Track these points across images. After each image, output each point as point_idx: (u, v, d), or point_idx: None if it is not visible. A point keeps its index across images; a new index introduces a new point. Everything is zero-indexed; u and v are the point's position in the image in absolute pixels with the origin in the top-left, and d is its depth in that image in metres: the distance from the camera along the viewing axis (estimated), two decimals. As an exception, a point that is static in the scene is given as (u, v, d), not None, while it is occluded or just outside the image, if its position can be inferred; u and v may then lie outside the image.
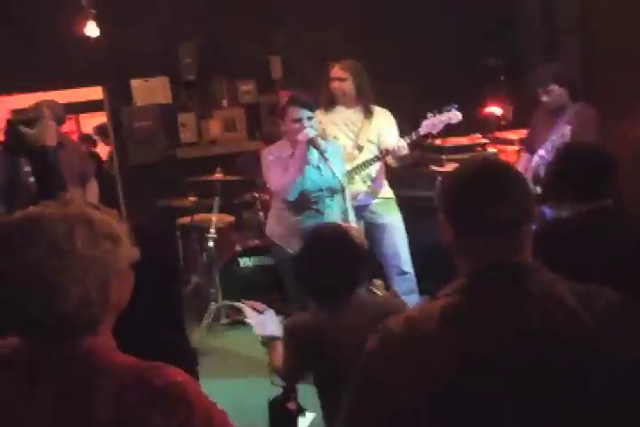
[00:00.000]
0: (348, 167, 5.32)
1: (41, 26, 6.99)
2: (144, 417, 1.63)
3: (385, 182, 5.72)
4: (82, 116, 11.56)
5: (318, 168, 4.77)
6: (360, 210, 5.36)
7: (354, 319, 2.86)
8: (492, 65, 7.98)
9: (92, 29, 5.90)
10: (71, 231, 1.68)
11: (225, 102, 8.12)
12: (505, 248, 1.89)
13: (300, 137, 4.60)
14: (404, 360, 1.83)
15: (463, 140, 6.75)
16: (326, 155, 4.55)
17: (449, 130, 5.63)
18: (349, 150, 5.47)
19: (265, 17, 7.73)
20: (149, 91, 7.88)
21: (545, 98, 5.28)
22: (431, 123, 5.35)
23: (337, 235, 3.07)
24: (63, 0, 5.99)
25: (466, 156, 6.45)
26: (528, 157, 5.54)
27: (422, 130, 5.37)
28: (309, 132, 4.59)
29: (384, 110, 5.65)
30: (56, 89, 7.78)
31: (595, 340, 1.80)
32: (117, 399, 1.63)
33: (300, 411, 3.23)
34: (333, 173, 4.48)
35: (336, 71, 5.50)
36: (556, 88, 5.24)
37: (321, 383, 3.02)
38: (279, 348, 3.15)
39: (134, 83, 7.82)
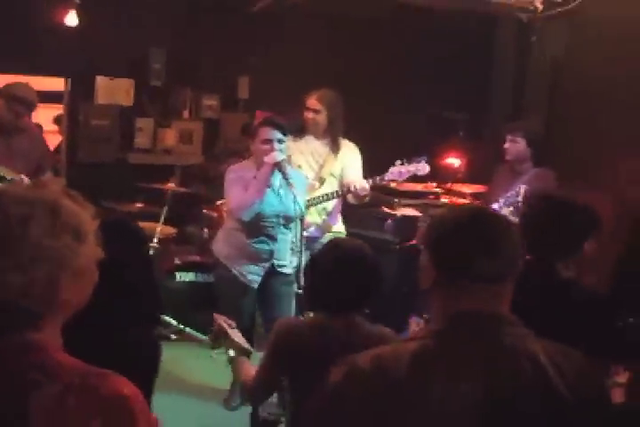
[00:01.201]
0: (307, 198, 5.31)
1: (18, 9, 6.86)
2: (83, 425, 1.53)
3: (339, 217, 5.71)
4: (39, 105, 11.30)
5: (279, 194, 4.70)
6: (310, 242, 5.31)
7: (350, 335, 2.81)
8: (455, 118, 8.12)
9: (71, 19, 5.77)
10: (28, 216, 1.57)
11: (186, 113, 8.06)
12: (485, 299, 1.86)
13: (268, 159, 4.53)
14: (366, 399, 1.79)
15: (418, 187, 6.79)
16: (291, 180, 4.51)
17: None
18: (311, 181, 5.42)
19: (241, 37, 7.71)
20: (113, 90, 7.77)
21: (507, 145, 5.37)
22: (398, 171, 5.33)
23: (357, 248, 3.02)
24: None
25: (418, 202, 6.52)
26: None
27: (387, 176, 5.34)
28: (278, 155, 4.53)
29: (352, 145, 5.59)
30: (18, 73, 7.63)
31: (562, 400, 1.79)
32: (59, 400, 1.53)
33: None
34: (295, 201, 4.43)
35: (311, 102, 5.43)
36: (522, 142, 5.34)
37: (292, 390, 2.97)
38: (247, 363, 3.10)
39: (99, 80, 7.71)
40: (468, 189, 6.91)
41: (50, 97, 9.20)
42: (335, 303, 2.89)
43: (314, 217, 5.46)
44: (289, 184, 4.49)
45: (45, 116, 10.37)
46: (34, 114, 5.65)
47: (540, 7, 6.51)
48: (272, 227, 4.72)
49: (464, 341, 1.85)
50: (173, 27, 7.65)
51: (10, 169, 4.98)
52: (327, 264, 2.93)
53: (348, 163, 5.52)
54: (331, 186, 5.49)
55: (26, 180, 4.80)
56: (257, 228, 4.69)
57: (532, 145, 5.34)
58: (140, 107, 7.87)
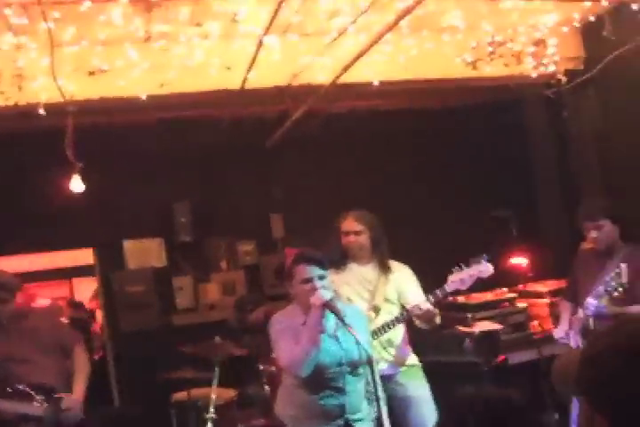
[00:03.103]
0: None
1: (25, 184, 6.43)
2: None
3: (409, 348, 4.84)
4: (76, 280, 10.90)
5: (336, 338, 3.87)
6: (382, 381, 4.42)
7: None
8: (502, 216, 7.37)
9: (77, 184, 5.23)
10: None
11: (224, 264, 7.42)
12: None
13: (314, 300, 3.73)
14: None
15: (488, 296, 5.96)
16: (346, 320, 3.69)
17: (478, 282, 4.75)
18: (365, 312, 4.64)
19: (262, 175, 7.20)
20: (143, 253, 7.19)
21: (594, 234, 4.55)
22: (459, 278, 4.48)
23: None
24: (49, 157, 5.39)
25: (494, 313, 5.67)
26: (569, 306, 4.76)
27: (449, 287, 4.49)
28: (324, 293, 3.73)
29: (403, 265, 4.87)
30: (41, 252, 7.19)
31: None
32: None
33: None
34: (358, 342, 3.60)
35: (349, 224, 4.76)
36: (607, 223, 4.53)
37: None
38: None
39: (126, 244, 7.14)
40: (543, 287, 6.06)
41: (84, 270, 8.80)
42: None
43: (379, 352, 4.63)
44: (345, 325, 3.67)
45: (86, 292, 9.94)
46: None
47: (564, 79, 5.85)
48: (337, 377, 3.87)
49: None
50: (191, 178, 7.14)
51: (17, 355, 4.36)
52: None
53: (404, 284, 4.77)
54: (389, 314, 4.69)
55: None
56: (320, 381, 3.84)
57: (618, 222, 4.53)
58: (174, 265, 7.25)
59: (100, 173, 6.40)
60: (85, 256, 7.57)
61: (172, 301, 7.22)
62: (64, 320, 8.29)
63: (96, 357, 7.81)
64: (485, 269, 4.48)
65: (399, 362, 4.72)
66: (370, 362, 3.60)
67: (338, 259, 4.78)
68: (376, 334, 4.61)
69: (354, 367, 3.83)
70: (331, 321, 3.83)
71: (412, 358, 4.81)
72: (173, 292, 7.24)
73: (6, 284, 4.56)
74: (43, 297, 9.56)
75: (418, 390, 4.70)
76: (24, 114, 5.19)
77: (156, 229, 7.20)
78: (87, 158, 5.36)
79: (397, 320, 4.63)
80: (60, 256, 8.50)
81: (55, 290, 10.66)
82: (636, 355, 1.32)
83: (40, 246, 6.95)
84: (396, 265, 4.83)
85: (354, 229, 4.74)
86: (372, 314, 4.69)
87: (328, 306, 3.71)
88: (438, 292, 4.51)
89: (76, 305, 8.62)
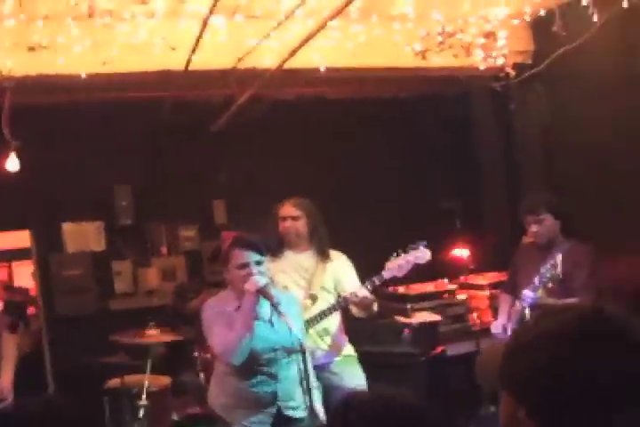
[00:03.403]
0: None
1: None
2: None
3: (345, 337, 4.78)
4: (16, 263, 10.61)
5: (270, 323, 3.80)
6: (317, 370, 4.35)
7: None
8: (448, 207, 7.37)
9: (12, 163, 5.05)
10: None
11: (164, 249, 7.27)
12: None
13: (248, 286, 3.64)
14: None
15: (429, 287, 5.93)
16: (280, 308, 3.61)
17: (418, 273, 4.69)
18: (301, 301, 4.57)
19: (207, 159, 7.06)
20: (81, 236, 7.00)
21: (535, 228, 4.55)
22: (396, 264, 4.39)
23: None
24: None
25: (434, 304, 5.64)
26: (509, 298, 4.75)
27: (386, 273, 4.40)
28: (259, 279, 3.65)
29: (340, 253, 4.79)
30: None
31: None
32: None
33: None
34: (290, 330, 3.52)
35: (287, 209, 4.68)
36: (548, 217, 4.52)
37: None
38: None
39: (65, 227, 6.95)
40: (484, 279, 6.05)
41: (22, 253, 8.56)
42: None
43: (315, 341, 4.57)
44: (279, 312, 3.58)
45: (25, 274, 9.68)
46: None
47: (513, 73, 5.82)
48: (270, 363, 3.79)
49: None
50: (133, 161, 6.96)
51: None
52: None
53: (341, 273, 4.69)
54: (325, 302, 4.61)
55: None
56: (252, 367, 3.75)
57: (559, 216, 4.53)
58: (113, 249, 7.08)
59: (40, 153, 6.21)
60: (24, 239, 7.36)
61: (110, 285, 7.05)
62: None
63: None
64: (422, 255, 4.41)
65: (335, 351, 4.66)
66: (302, 350, 3.54)
67: (275, 246, 4.70)
68: (312, 322, 4.54)
69: (288, 353, 3.76)
70: (265, 307, 3.75)
71: (348, 348, 4.75)
72: (112, 276, 7.07)
73: None
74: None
75: (353, 379, 4.63)
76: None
77: (96, 212, 7.01)
78: (26, 137, 5.20)
79: (334, 308, 4.56)
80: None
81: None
82: (569, 339, 1.26)
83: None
84: (333, 253, 4.75)
85: (291, 214, 4.66)
86: (309, 302, 4.62)
87: (262, 292, 3.63)
88: (375, 279, 4.43)
89: (11, 289, 8.37)
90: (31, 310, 8.06)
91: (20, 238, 7.51)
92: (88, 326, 6.56)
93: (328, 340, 4.64)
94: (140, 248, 7.19)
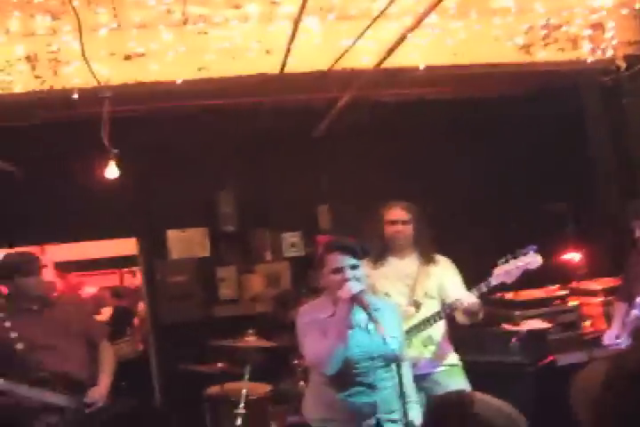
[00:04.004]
0: (405, 329, 4.21)
1: (66, 175, 6.30)
2: None
3: (450, 346, 4.54)
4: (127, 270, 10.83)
5: (367, 331, 3.59)
6: (420, 380, 4.13)
7: None
8: (558, 211, 6.98)
9: (111, 171, 5.07)
10: None
11: (268, 255, 7.19)
12: None
13: (342, 293, 3.46)
14: None
15: (538, 293, 5.61)
16: (375, 316, 3.42)
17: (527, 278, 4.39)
18: (404, 308, 4.36)
19: (310, 163, 6.95)
20: (186, 242, 7.01)
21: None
22: (504, 271, 4.11)
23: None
24: (87, 144, 5.22)
25: (543, 311, 5.31)
26: (625, 306, 4.42)
27: (494, 280, 4.14)
28: (354, 285, 3.45)
29: (445, 258, 4.58)
30: (84, 241, 7.10)
31: None
32: None
33: None
34: (385, 341, 3.33)
35: (397, 213, 4.49)
36: None
37: None
38: None
39: (170, 234, 6.97)
40: (597, 285, 5.67)
41: (129, 261, 8.72)
42: None
43: (419, 349, 4.37)
44: (374, 321, 3.38)
45: (132, 281, 9.86)
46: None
47: (623, 65, 5.44)
48: (368, 372, 3.59)
49: None
50: (236, 167, 6.93)
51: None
52: None
53: (445, 278, 4.48)
54: (429, 309, 4.40)
55: None
56: (349, 377, 3.56)
57: None
58: (217, 255, 7.05)
59: (142, 162, 6.26)
60: (131, 246, 7.45)
61: (215, 291, 7.03)
62: (108, 309, 8.19)
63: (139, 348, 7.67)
64: (533, 260, 4.10)
65: (439, 360, 4.44)
66: (398, 360, 3.33)
67: (378, 251, 4.52)
68: (415, 330, 4.34)
69: (386, 362, 3.54)
70: (361, 314, 3.55)
71: (453, 357, 4.51)
72: (216, 282, 7.05)
73: (28, 261, 4.38)
74: (91, 286, 9.50)
75: (459, 389, 4.38)
76: (59, 100, 5.03)
77: (200, 219, 7.02)
78: (128, 146, 5.21)
79: (438, 315, 4.34)
80: (108, 246, 8.42)
81: (107, 280, 10.58)
82: None
83: (81, 236, 6.84)
84: (437, 258, 4.55)
85: (402, 218, 4.48)
86: (412, 309, 4.43)
87: (356, 299, 3.44)
88: (483, 285, 4.19)
89: (118, 294, 8.49)
90: (139, 315, 8.14)
91: (127, 246, 7.62)
92: (192, 333, 6.54)
93: (432, 348, 4.43)
94: (244, 254, 7.14)
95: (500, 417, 2.01)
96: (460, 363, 4.52)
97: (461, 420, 1.99)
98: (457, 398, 2.17)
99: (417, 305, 4.43)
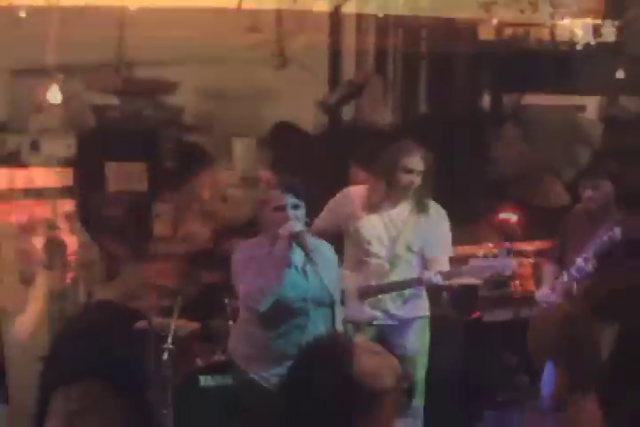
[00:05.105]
0: (374, 283, 4.12)
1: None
2: None
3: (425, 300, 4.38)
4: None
5: (304, 271, 3.52)
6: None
7: None
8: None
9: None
10: None
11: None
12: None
13: (282, 231, 3.38)
14: None
15: (472, 249, 5.58)
16: (313, 256, 3.33)
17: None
18: (379, 261, 4.18)
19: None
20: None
21: (588, 193, 4.27)
22: (479, 265, 4.24)
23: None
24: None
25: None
26: (553, 270, 4.50)
27: (466, 270, 4.23)
28: (294, 224, 3.38)
29: (439, 209, 4.30)
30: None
31: None
32: None
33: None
34: (322, 282, 3.24)
35: (415, 161, 4.11)
36: (606, 184, 4.20)
37: None
38: None
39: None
40: (529, 246, 5.70)
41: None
42: None
43: (387, 305, 4.24)
44: (312, 261, 3.30)
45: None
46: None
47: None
48: (299, 313, 3.52)
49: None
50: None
51: None
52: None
53: (432, 235, 4.23)
54: (407, 264, 4.22)
55: None
56: (278, 317, 3.50)
57: (616, 181, 4.22)
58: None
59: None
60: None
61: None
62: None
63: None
64: (507, 265, 4.24)
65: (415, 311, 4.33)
66: (332, 305, 3.27)
67: (378, 197, 4.21)
68: (387, 289, 4.18)
69: (318, 304, 3.47)
70: (298, 255, 3.47)
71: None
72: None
73: None
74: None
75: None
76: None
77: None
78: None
79: (408, 284, 4.18)
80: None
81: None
82: None
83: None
84: (431, 209, 4.26)
85: (419, 168, 4.13)
86: (387, 265, 4.20)
87: (296, 238, 3.35)
88: (454, 273, 4.18)
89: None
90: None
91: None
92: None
93: (399, 303, 4.26)
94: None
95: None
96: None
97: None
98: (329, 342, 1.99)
99: (393, 262, 4.20)
